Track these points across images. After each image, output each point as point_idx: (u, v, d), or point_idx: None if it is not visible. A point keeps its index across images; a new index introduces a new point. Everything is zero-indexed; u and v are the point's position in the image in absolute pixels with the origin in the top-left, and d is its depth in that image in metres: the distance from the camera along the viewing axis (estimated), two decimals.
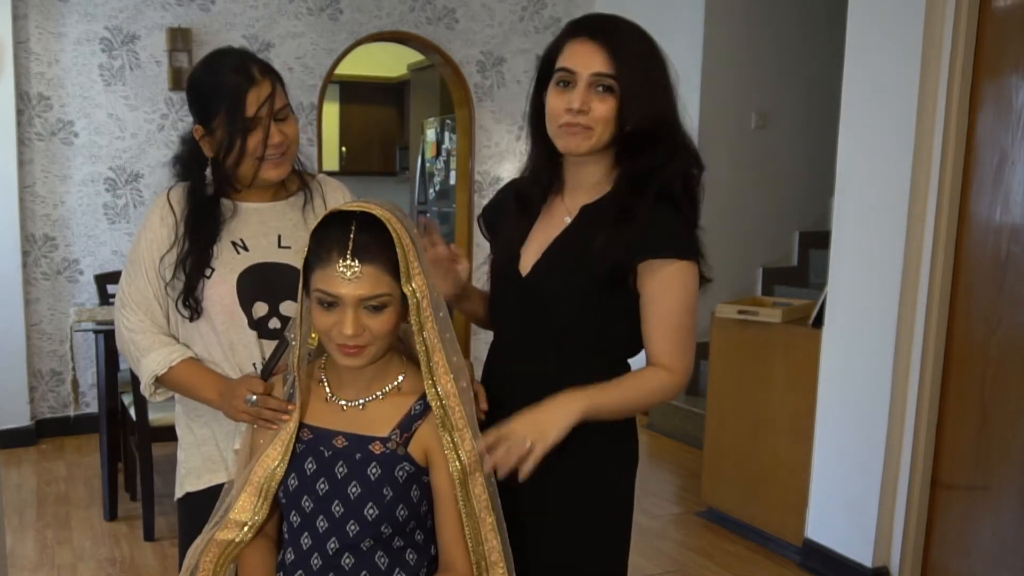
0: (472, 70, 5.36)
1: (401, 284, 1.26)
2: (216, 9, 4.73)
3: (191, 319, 1.62)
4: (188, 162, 1.66)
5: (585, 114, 1.41)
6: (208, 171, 1.65)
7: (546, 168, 1.54)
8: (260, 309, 1.63)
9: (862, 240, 2.99)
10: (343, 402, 1.36)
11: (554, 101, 1.45)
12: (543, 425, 1.35)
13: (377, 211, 1.25)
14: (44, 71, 4.46)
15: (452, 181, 6.41)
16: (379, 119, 8.41)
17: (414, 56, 6.74)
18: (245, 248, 1.64)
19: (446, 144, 6.59)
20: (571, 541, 1.54)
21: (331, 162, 7.84)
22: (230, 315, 1.62)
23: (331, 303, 1.26)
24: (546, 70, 1.48)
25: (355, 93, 8.11)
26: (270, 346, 1.58)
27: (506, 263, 1.57)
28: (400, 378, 1.36)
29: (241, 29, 4.79)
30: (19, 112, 4.40)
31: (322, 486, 1.33)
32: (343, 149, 8.30)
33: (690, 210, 1.50)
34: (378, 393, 1.35)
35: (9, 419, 4.44)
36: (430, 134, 6.89)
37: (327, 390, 1.38)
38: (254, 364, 1.63)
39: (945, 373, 2.88)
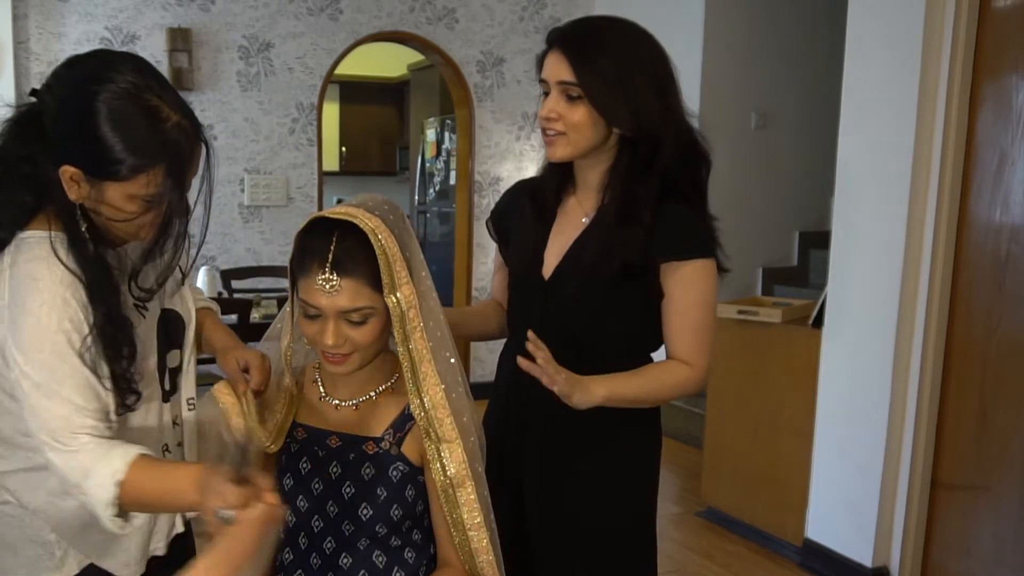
0: (472, 70, 5.36)
1: (384, 295, 1.23)
2: (216, 9, 4.73)
3: (131, 404, 1.26)
4: (64, 210, 1.20)
5: (556, 121, 1.44)
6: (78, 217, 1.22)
7: (557, 171, 1.57)
8: (173, 359, 1.40)
9: (862, 240, 2.99)
10: (336, 402, 1.36)
11: (540, 112, 1.49)
12: (578, 388, 1.38)
13: (362, 221, 1.20)
14: (44, 71, 4.45)
15: (452, 181, 6.41)
16: (379, 119, 8.42)
17: (414, 56, 6.74)
18: (145, 307, 1.33)
19: (446, 144, 6.59)
20: (599, 526, 1.59)
21: (331, 162, 7.84)
22: (151, 396, 1.33)
23: (313, 314, 1.24)
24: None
25: (355, 93, 8.12)
26: (165, 408, 1.37)
27: (527, 267, 1.57)
28: (394, 378, 1.35)
29: (241, 29, 4.79)
30: None
31: (317, 486, 1.33)
32: (343, 149, 8.30)
33: (700, 205, 1.53)
34: (371, 393, 1.35)
35: None
36: (430, 134, 6.89)
37: (321, 390, 1.38)
38: (165, 447, 1.36)
39: (945, 373, 2.88)
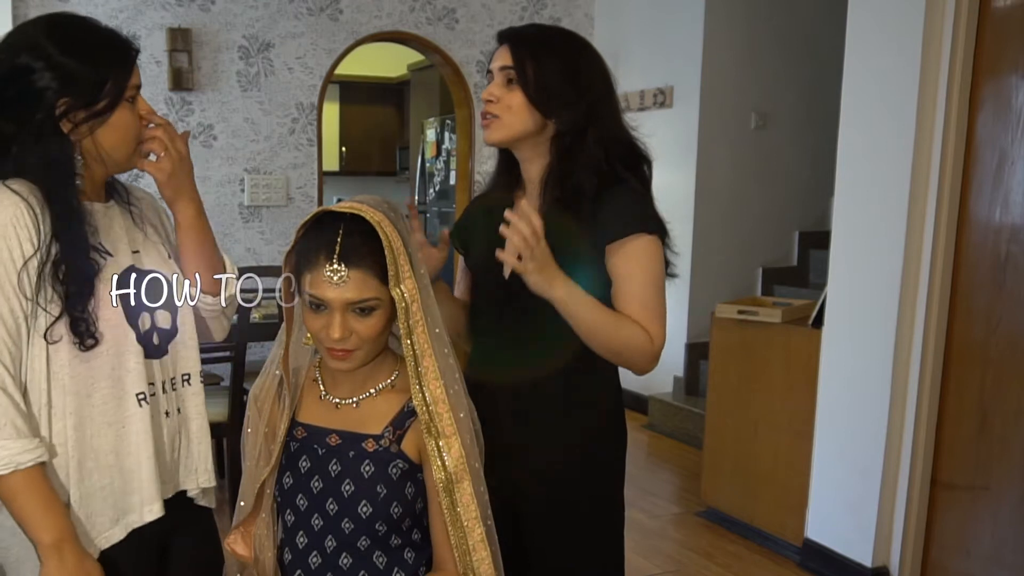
0: (472, 70, 5.36)
1: (390, 287, 1.24)
2: (216, 9, 4.73)
3: (89, 346, 1.30)
4: (60, 161, 1.30)
5: (494, 104, 1.55)
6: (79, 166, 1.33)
7: (506, 171, 1.67)
8: (145, 322, 1.41)
9: (862, 240, 2.99)
10: (336, 400, 1.36)
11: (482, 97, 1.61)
12: (544, 271, 1.41)
13: (368, 214, 1.23)
14: None
15: (452, 181, 6.41)
16: (379, 119, 8.42)
17: (414, 56, 6.74)
18: (108, 252, 1.37)
19: (446, 144, 6.59)
20: (567, 523, 1.59)
21: (331, 162, 7.84)
22: (122, 336, 1.35)
23: (319, 306, 1.25)
24: None
25: (355, 93, 8.12)
26: (153, 365, 1.40)
27: (486, 266, 1.60)
28: (394, 375, 1.36)
29: (241, 29, 4.79)
30: None
31: (316, 484, 1.33)
32: (343, 149, 8.30)
33: (644, 192, 1.58)
34: (372, 391, 1.35)
35: None
36: (430, 134, 6.89)
37: (321, 388, 1.38)
38: (140, 396, 1.37)
39: (945, 373, 2.88)
